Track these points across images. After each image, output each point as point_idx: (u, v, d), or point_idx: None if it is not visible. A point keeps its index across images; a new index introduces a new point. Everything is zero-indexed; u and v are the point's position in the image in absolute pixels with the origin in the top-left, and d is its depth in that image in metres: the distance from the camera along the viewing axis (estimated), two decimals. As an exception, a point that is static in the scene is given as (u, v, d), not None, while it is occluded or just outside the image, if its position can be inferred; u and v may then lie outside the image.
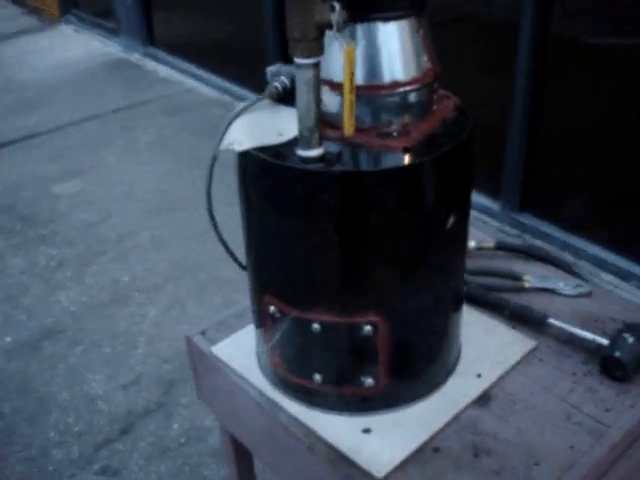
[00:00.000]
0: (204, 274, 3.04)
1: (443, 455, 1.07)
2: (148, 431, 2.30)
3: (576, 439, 1.09)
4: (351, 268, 1.00)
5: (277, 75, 1.13)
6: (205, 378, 1.33)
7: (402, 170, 0.96)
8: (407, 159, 0.96)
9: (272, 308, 1.08)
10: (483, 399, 1.16)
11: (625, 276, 2.73)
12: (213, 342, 1.31)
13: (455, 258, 1.10)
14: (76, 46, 5.51)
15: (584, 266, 2.81)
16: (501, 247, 1.49)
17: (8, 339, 2.72)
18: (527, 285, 1.38)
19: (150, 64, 5.00)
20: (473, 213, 1.22)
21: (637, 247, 2.74)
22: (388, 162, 0.97)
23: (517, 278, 1.40)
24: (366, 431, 1.10)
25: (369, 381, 1.09)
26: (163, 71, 4.90)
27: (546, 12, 2.74)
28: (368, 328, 1.03)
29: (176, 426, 2.32)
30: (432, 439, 1.09)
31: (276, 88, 1.11)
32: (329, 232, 0.98)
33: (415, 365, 1.12)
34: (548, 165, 2.99)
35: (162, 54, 4.97)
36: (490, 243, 1.49)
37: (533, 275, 1.40)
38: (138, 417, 2.36)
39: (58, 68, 5.13)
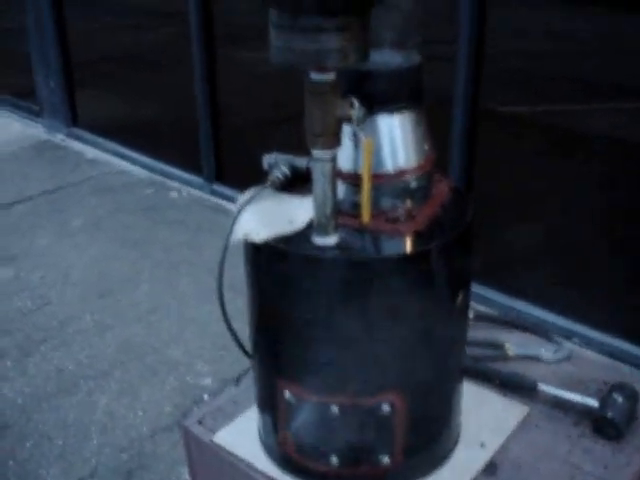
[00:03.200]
0: (152, 357, 2.98)
1: (464, 528, 1.09)
2: (113, 525, 2.22)
3: (584, 500, 1.13)
4: (371, 350, 1.03)
5: (275, 164, 1.18)
6: (205, 468, 1.32)
7: (417, 254, 1.00)
8: (420, 244, 1.01)
9: (287, 393, 1.10)
10: (490, 468, 1.19)
11: (568, 335, 2.84)
12: (212, 430, 1.30)
13: (461, 331, 1.15)
14: (-4, 129, 5.43)
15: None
16: (479, 317, 1.55)
17: (-50, 438, 2.58)
18: (510, 353, 1.44)
19: (75, 145, 4.95)
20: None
21: (576, 305, 2.87)
22: (402, 247, 1.02)
23: (499, 347, 1.46)
24: (385, 510, 1.11)
25: (385, 459, 1.11)
26: (89, 152, 4.86)
27: (476, 87, 2.90)
28: (386, 407, 1.06)
29: (141, 518, 2.25)
30: (450, 512, 1.11)
31: (278, 177, 1.15)
32: (348, 317, 1.01)
33: (428, 439, 1.15)
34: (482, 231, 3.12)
35: (87, 135, 4.93)
36: (469, 314, 1.55)
37: (514, 343, 1.47)
38: (100, 511, 2.27)
39: (-21, 152, 5.03)
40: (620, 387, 1.28)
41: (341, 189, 1.05)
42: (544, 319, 2.94)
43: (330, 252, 1.00)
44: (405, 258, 1.00)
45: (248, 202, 1.09)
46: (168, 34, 5.22)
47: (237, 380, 1.39)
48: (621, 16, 2.88)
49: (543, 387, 1.32)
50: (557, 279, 3.03)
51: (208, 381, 2.79)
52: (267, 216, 1.07)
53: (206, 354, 2.93)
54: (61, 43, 4.88)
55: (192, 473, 1.36)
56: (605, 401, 1.26)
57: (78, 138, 4.98)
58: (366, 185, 0.97)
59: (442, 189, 1.14)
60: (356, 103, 0.95)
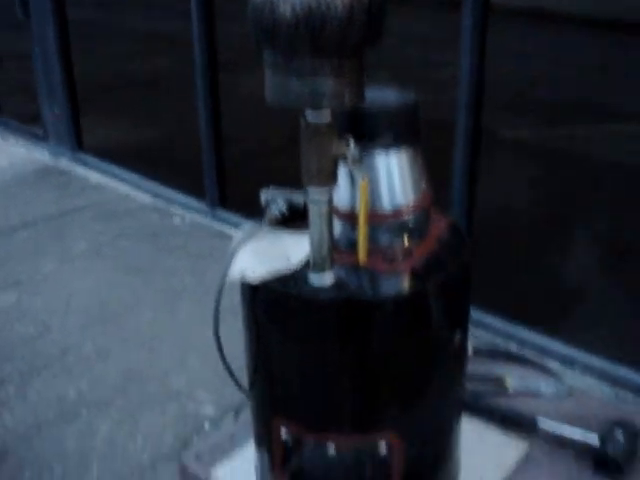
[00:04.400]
0: (153, 385, 2.97)
1: None
2: None
3: (585, 540, 1.12)
4: (369, 390, 1.02)
5: (272, 200, 1.18)
6: (202, 505, 1.31)
7: (414, 294, 1.00)
8: (417, 283, 1.01)
9: (284, 431, 1.09)
10: (490, 507, 1.18)
11: (570, 362, 2.83)
12: (209, 467, 1.29)
13: (460, 370, 1.14)
14: (1, 153, 5.45)
15: (529, 354, 2.90)
16: (478, 352, 1.54)
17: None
18: (510, 389, 1.43)
19: (80, 170, 4.98)
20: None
21: (580, 334, 2.86)
22: (399, 287, 1.01)
23: (499, 382, 1.45)
24: None
25: (383, 499, 1.10)
26: (94, 177, 4.88)
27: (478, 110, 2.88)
28: (384, 447, 1.05)
29: None
30: None
31: (275, 214, 1.15)
32: (345, 356, 1.00)
33: (426, 477, 1.14)
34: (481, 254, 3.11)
35: (92, 160, 4.95)
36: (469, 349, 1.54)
37: (514, 377, 1.46)
38: (98, 543, 2.25)
39: (-17, 177, 5.05)
40: (621, 423, 1.27)
41: (337, 226, 1.05)
42: (544, 346, 2.92)
43: (326, 292, 0.99)
44: (402, 297, 0.99)
45: (244, 240, 1.09)
46: (176, 60, 5.26)
47: (236, 414, 1.38)
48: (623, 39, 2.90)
49: (543, 424, 1.31)
50: (558, 306, 3.02)
51: (210, 409, 2.77)
52: (263, 254, 1.07)
53: (208, 382, 2.92)
54: (66, 71, 4.91)
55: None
56: (606, 438, 1.25)
57: (83, 163, 5.01)
58: (362, 228, 0.97)
59: (440, 226, 1.14)
60: (352, 142, 0.94)
